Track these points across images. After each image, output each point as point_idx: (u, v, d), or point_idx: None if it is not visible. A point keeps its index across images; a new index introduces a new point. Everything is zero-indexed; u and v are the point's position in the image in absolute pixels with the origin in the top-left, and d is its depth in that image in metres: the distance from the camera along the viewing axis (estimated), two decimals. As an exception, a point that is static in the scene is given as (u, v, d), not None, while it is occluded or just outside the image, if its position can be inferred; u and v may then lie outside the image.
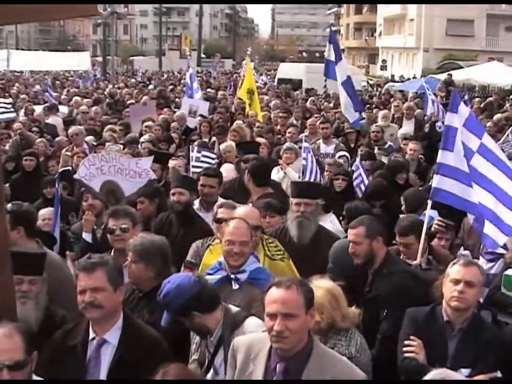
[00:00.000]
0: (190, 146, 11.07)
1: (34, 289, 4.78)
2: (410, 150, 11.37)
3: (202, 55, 74.74)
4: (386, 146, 12.60)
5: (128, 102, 21.11)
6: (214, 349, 4.33)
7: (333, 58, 14.73)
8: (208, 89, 28.56)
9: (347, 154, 11.32)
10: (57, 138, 13.21)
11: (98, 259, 4.30)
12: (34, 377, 3.78)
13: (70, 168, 9.95)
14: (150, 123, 14.09)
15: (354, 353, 4.53)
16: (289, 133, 12.89)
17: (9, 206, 5.87)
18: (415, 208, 7.56)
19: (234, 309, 4.49)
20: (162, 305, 4.35)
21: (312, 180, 9.40)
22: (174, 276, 4.52)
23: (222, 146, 11.01)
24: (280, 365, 3.79)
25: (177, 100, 18.72)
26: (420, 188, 9.22)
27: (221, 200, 7.07)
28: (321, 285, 4.64)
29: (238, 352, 4.01)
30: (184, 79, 29.12)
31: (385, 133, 13.52)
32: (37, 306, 4.75)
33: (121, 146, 11.39)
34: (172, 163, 9.61)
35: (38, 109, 18.29)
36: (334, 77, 14.68)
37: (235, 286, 5.08)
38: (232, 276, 5.11)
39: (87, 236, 7.01)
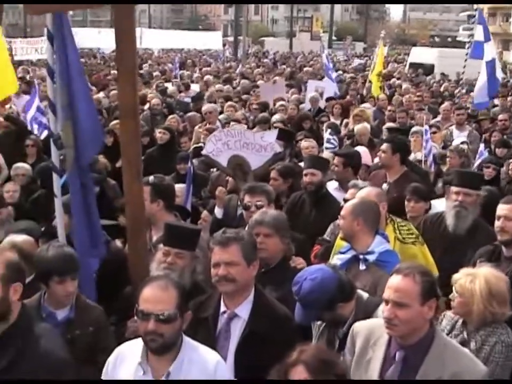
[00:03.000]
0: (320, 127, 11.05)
1: (180, 263, 4.86)
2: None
3: (333, 37, 74.15)
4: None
5: (259, 82, 21.28)
6: (342, 337, 4.25)
7: (481, 38, 14.80)
8: (339, 71, 28.39)
9: (467, 140, 10.99)
10: (188, 114, 13.43)
11: (234, 234, 4.31)
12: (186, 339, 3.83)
13: (202, 145, 10.11)
14: (284, 103, 14.15)
15: None
16: (420, 118, 12.63)
17: (150, 178, 5.97)
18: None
19: (365, 295, 4.42)
20: (303, 303, 4.20)
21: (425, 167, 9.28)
22: (307, 271, 4.32)
23: (357, 128, 10.93)
24: (400, 353, 3.73)
25: (309, 81, 18.70)
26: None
27: (353, 181, 7.01)
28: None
29: (357, 338, 3.96)
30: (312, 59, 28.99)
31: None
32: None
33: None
34: (304, 144, 9.61)
35: (170, 86, 18.71)
36: (480, 56, 14.57)
37: (362, 267, 5.03)
38: (361, 257, 5.06)
39: (218, 212, 7.10)
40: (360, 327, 4.00)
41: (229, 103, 14.34)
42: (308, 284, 4.14)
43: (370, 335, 3.90)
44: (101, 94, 17.10)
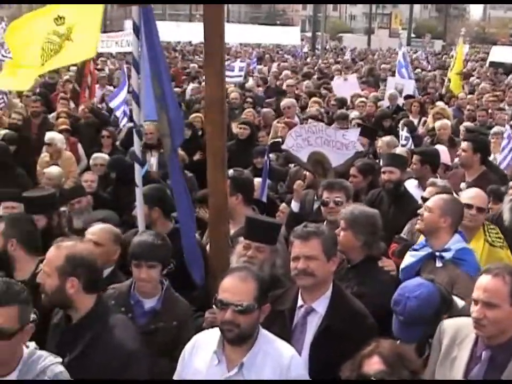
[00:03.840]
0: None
1: (260, 257, 4.89)
2: None
3: (412, 35, 73.13)
4: None
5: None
6: None
7: None
8: (417, 69, 28.01)
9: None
10: (263, 110, 13.46)
11: (315, 228, 4.32)
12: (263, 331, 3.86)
13: (280, 139, 10.14)
14: (364, 99, 14.09)
15: None
16: (500, 118, 12.39)
17: (230, 172, 6.01)
18: None
19: (460, 303, 4.30)
20: (408, 321, 4.06)
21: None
22: (406, 289, 4.17)
23: (438, 123, 10.80)
24: (486, 352, 3.68)
25: (389, 78, 18.53)
26: None
27: (431, 179, 6.95)
28: None
29: (444, 336, 3.91)
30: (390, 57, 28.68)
31: None
32: None
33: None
34: (383, 140, 9.55)
35: (250, 81, 18.81)
36: None
37: (439, 264, 4.98)
38: (437, 254, 5.01)
39: (295, 206, 7.13)
40: (448, 325, 3.95)
41: (314, 98, 14.34)
42: (413, 302, 4.04)
43: (457, 333, 3.86)
44: (190, 86, 17.36)
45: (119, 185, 8.51)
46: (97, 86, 15.32)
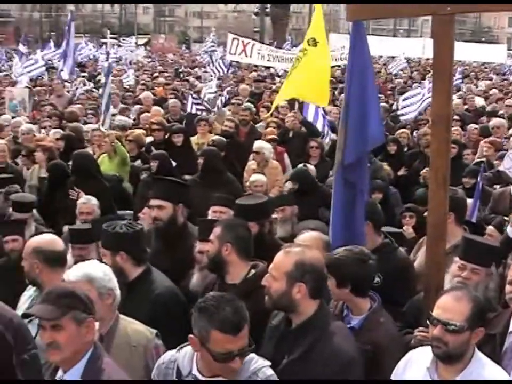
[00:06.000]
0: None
1: (475, 279, 4.77)
2: None
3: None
4: None
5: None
6: None
7: None
8: None
9: None
10: (468, 127, 13.13)
11: None
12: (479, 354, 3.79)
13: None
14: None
15: None
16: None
17: None
18: None
19: None
20: None
21: None
22: None
23: None
24: None
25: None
26: None
27: None
28: None
29: None
30: None
31: None
32: None
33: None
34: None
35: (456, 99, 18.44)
36: None
37: None
38: None
39: (510, 231, 6.86)
40: None
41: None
42: None
43: None
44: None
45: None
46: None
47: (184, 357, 3.70)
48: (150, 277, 4.94)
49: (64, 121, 12.91)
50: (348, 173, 5.16)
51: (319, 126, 12.12)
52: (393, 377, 4.00)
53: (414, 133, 12.76)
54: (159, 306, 4.74)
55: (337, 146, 5.28)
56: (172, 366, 3.74)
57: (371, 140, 5.18)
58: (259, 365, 3.64)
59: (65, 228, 8.23)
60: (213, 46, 31.99)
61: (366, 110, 5.09)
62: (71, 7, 20.88)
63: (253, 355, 3.65)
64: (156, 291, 4.84)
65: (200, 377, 3.57)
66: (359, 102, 5.08)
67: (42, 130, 12.02)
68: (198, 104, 13.96)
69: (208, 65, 25.63)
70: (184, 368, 3.67)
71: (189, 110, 13.93)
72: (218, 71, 22.08)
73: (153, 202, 6.11)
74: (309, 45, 8.63)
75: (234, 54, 17.69)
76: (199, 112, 13.59)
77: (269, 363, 3.69)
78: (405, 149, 11.24)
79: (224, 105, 15.24)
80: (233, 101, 15.30)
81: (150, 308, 4.67)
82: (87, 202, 7.43)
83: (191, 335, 3.54)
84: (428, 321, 3.78)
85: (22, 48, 26.18)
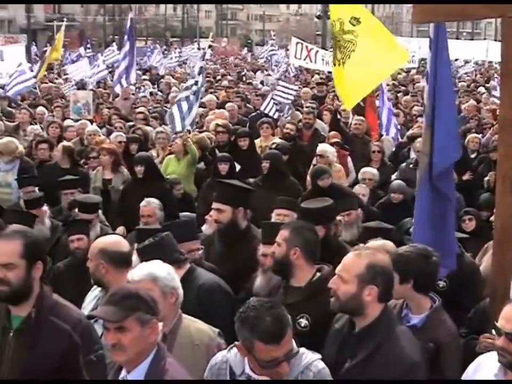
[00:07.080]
0: None
1: None
2: None
3: None
4: None
5: None
6: None
7: None
8: None
9: None
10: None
11: None
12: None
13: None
14: None
15: None
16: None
17: None
18: None
19: None
20: None
21: None
22: None
23: None
24: None
25: None
26: None
27: None
28: None
29: None
30: None
31: None
32: None
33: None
34: None
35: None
36: None
37: None
38: None
39: None
40: None
41: None
42: None
43: None
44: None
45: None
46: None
47: (236, 356, 3.73)
48: (193, 274, 5.01)
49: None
50: (437, 181, 5.11)
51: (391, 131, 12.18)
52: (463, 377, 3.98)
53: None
54: (202, 294, 4.83)
55: (423, 151, 5.23)
56: (224, 367, 3.78)
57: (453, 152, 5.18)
58: (310, 358, 3.66)
59: (120, 229, 8.44)
60: (272, 50, 31.91)
61: (452, 120, 5.10)
62: (132, 14, 20.80)
63: (302, 349, 3.66)
64: (199, 283, 4.93)
65: (254, 376, 3.60)
66: (447, 110, 5.05)
67: (115, 131, 12.13)
68: (276, 104, 14.12)
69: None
70: (237, 367, 3.70)
71: (262, 109, 14.13)
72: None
73: (214, 205, 6.19)
74: (353, 25, 8.59)
75: (300, 58, 17.73)
76: (276, 115, 13.81)
77: (319, 356, 3.71)
78: (475, 154, 11.12)
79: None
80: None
81: (194, 298, 4.74)
82: (147, 205, 7.49)
83: (237, 342, 3.58)
84: (493, 330, 3.74)
85: (82, 51, 26.55)
